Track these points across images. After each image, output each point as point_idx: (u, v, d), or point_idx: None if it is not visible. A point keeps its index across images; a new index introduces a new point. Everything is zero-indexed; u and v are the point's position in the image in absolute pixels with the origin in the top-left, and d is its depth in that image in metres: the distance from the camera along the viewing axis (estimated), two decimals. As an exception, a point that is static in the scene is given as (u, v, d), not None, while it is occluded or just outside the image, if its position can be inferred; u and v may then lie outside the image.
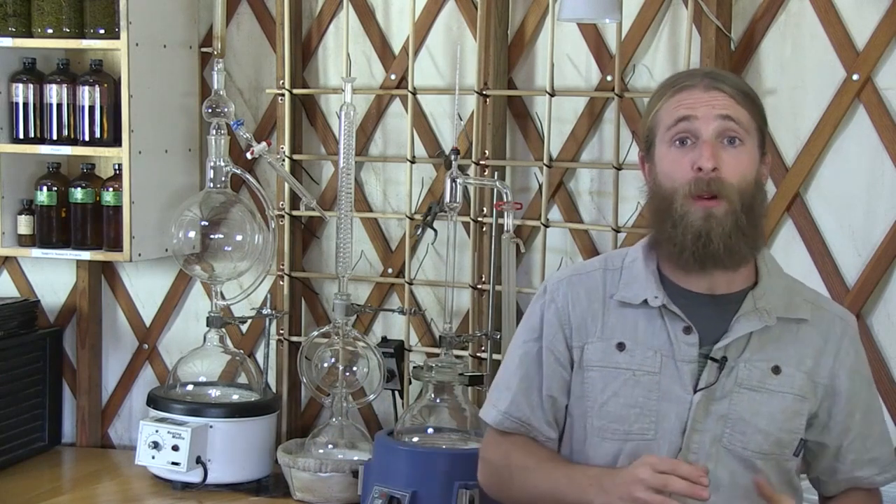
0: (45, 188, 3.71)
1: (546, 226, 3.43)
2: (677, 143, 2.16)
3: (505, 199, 3.28)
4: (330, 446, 3.48)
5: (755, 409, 2.18)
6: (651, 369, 2.18)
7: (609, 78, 3.40)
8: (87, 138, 3.62)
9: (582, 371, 2.23)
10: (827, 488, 2.37)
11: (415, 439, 3.20)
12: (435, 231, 3.44)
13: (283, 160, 3.65)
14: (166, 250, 3.65)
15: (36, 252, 3.72)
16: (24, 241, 3.75)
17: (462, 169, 3.37)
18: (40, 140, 3.66)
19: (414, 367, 3.37)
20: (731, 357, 2.17)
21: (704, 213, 2.12)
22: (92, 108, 3.61)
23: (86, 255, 3.70)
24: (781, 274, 2.29)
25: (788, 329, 2.22)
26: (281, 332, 3.73)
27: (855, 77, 3.20)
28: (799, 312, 2.24)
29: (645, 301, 2.20)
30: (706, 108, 2.15)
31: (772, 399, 2.19)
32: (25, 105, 3.67)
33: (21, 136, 3.68)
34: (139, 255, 3.61)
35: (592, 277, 2.28)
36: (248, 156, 3.46)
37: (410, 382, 3.57)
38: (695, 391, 2.16)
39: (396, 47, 3.66)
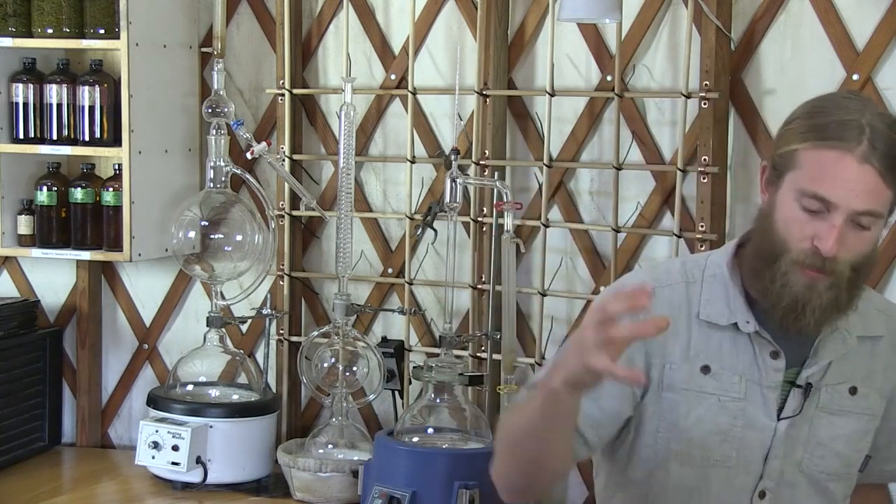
0: (45, 188, 3.71)
1: (546, 226, 3.43)
2: (809, 206, 1.99)
3: (505, 199, 3.28)
4: (330, 446, 3.48)
5: (834, 433, 2.13)
6: (737, 395, 2.10)
7: (609, 78, 3.40)
8: (87, 138, 3.62)
9: (661, 391, 2.12)
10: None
11: (415, 439, 3.20)
12: (435, 231, 3.44)
13: (283, 160, 3.65)
14: (166, 250, 3.65)
15: (36, 252, 3.72)
16: (24, 241, 3.75)
17: (462, 169, 3.37)
18: (40, 140, 3.66)
19: (414, 367, 3.37)
20: (814, 382, 2.11)
21: (808, 283, 1.99)
22: (92, 108, 3.60)
23: (86, 255, 3.70)
24: (865, 295, 2.18)
25: (864, 346, 2.16)
26: (281, 332, 3.73)
27: (855, 77, 3.20)
28: (876, 329, 2.18)
29: (734, 324, 2.10)
30: (849, 194, 1.95)
31: (849, 421, 2.14)
32: (25, 105, 3.66)
33: (21, 136, 3.67)
34: (139, 255, 3.60)
35: (676, 291, 2.14)
36: (248, 156, 3.46)
37: (410, 382, 3.57)
38: (779, 418, 2.10)
39: (396, 47, 3.66)
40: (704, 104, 3.23)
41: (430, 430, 3.23)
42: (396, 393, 3.61)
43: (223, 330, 3.62)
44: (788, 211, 2.01)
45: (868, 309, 2.18)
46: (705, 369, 2.10)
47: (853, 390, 2.14)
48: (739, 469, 2.11)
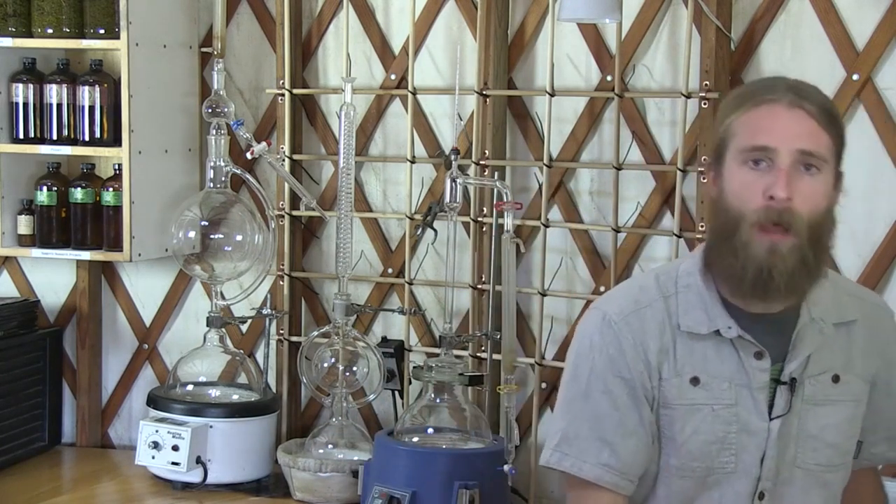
0: (45, 188, 3.71)
1: (546, 226, 3.43)
2: (751, 163, 2.04)
3: (505, 199, 3.27)
4: (330, 446, 3.48)
5: (822, 424, 2.13)
6: (728, 401, 2.10)
7: (609, 78, 3.40)
8: (87, 138, 3.62)
9: (658, 409, 2.13)
10: None
11: (415, 439, 3.20)
12: (435, 231, 3.44)
13: (283, 160, 3.65)
14: (166, 250, 3.65)
15: (36, 252, 3.72)
16: (24, 241, 3.75)
17: (462, 169, 3.37)
18: (40, 140, 3.66)
19: (414, 367, 3.37)
20: (797, 376, 2.11)
21: (769, 247, 2.01)
22: (92, 108, 3.60)
23: (86, 255, 3.70)
24: (834, 281, 2.20)
25: (840, 333, 2.17)
26: (281, 332, 3.73)
27: (855, 77, 3.20)
28: (848, 314, 2.18)
29: (716, 331, 2.11)
30: (787, 136, 2.02)
31: (836, 410, 2.15)
32: (25, 105, 3.67)
33: (21, 136, 3.67)
34: (139, 255, 3.60)
35: (657, 309, 2.14)
36: (248, 156, 3.46)
37: (410, 382, 3.57)
38: (770, 418, 2.11)
39: (396, 47, 3.66)
40: (704, 104, 3.23)
41: (430, 430, 3.23)
42: (396, 393, 3.61)
43: (223, 330, 3.62)
44: (736, 178, 2.05)
45: (839, 295, 2.19)
46: (695, 381, 2.11)
47: (836, 378, 2.14)
48: (739, 474, 2.12)
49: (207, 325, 3.61)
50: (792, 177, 2.01)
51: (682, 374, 2.11)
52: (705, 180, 2.14)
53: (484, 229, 3.50)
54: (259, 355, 3.77)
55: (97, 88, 3.60)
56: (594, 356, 2.14)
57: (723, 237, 2.06)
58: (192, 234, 3.58)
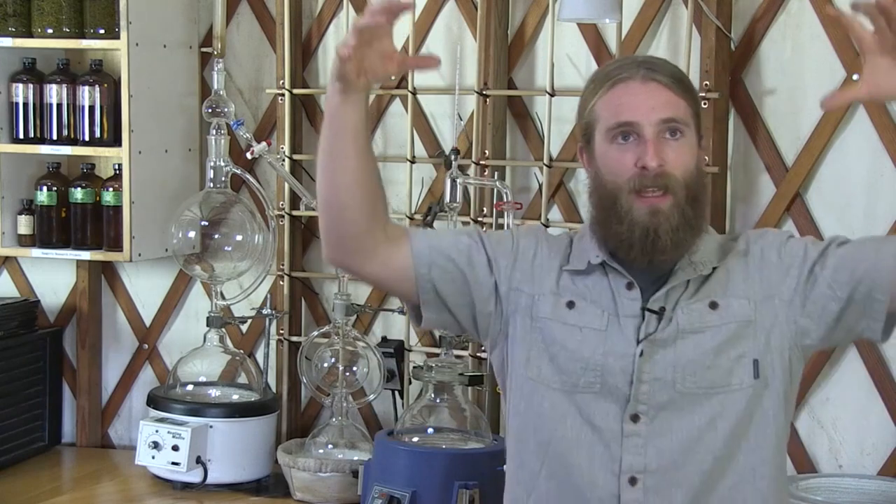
0: (45, 188, 3.71)
1: (546, 226, 3.43)
2: (619, 139, 2.17)
3: (505, 199, 3.28)
4: (330, 446, 3.49)
5: (701, 350, 2.18)
6: (598, 326, 2.20)
7: (609, 78, 3.40)
8: (87, 138, 3.62)
9: (532, 321, 2.24)
10: (876, 298, 2.18)
11: (415, 439, 3.21)
12: (435, 231, 3.44)
13: (283, 160, 3.65)
14: (166, 250, 3.65)
15: (36, 252, 3.72)
16: (24, 241, 3.75)
17: (462, 169, 3.37)
18: (40, 140, 3.66)
19: (414, 367, 3.37)
20: (669, 307, 2.19)
21: (650, 210, 2.13)
22: (92, 108, 3.61)
23: (86, 255, 3.70)
24: (713, 237, 2.29)
25: (719, 268, 2.23)
26: (281, 332, 3.73)
27: (855, 77, 3.20)
28: (727, 255, 2.25)
29: (589, 262, 2.23)
30: (646, 109, 2.15)
31: (715, 334, 2.19)
32: (25, 105, 3.67)
33: (21, 136, 3.68)
34: (139, 255, 3.61)
35: (559, 242, 2.30)
36: (248, 156, 3.46)
37: (410, 382, 3.57)
38: (638, 343, 2.18)
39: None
40: (704, 104, 3.23)
41: (430, 430, 3.23)
42: (396, 393, 3.61)
43: (223, 330, 3.62)
44: (608, 156, 2.18)
45: (725, 248, 2.26)
46: (570, 304, 2.22)
47: (713, 305, 2.20)
48: (606, 395, 2.18)
49: (207, 325, 3.61)
50: (658, 145, 2.14)
51: (560, 296, 2.23)
52: (583, 165, 2.29)
53: (484, 229, 3.50)
54: (259, 355, 3.77)
55: (97, 88, 3.60)
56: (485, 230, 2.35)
57: (605, 208, 2.18)
58: (192, 234, 3.58)
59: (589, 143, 2.23)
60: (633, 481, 2.15)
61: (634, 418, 2.17)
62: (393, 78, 3.64)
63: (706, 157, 2.29)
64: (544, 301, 2.24)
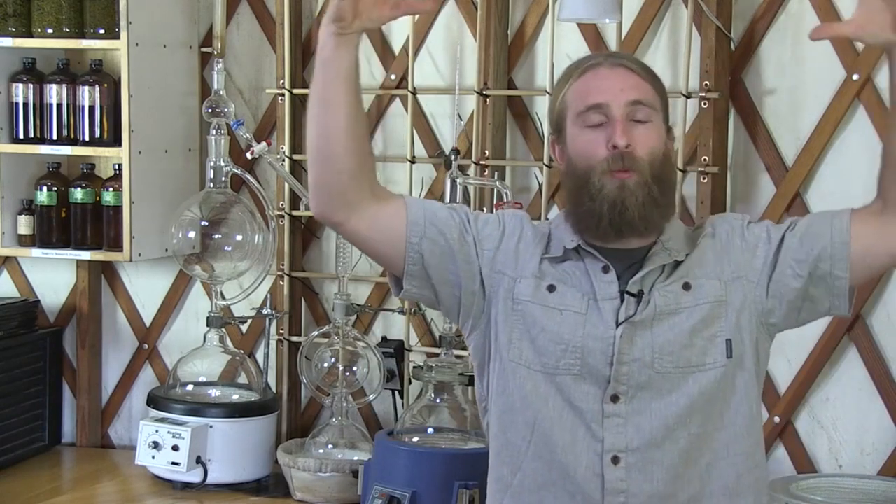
0: (45, 188, 3.71)
1: (546, 226, 3.43)
2: (590, 123, 2.22)
3: (505, 199, 3.28)
4: (330, 446, 3.49)
5: (677, 330, 2.22)
6: (578, 310, 2.24)
7: (609, 78, 3.40)
8: (87, 138, 3.62)
9: (513, 304, 2.27)
10: (837, 275, 2.24)
11: (415, 439, 3.21)
12: (435, 231, 3.44)
13: (283, 160, 3.65)
14: (166, 250, 3.65)
15: (36, 252, 3.72)
16: (24, 241, 3.75)
17: (462, 169, 3.37)
18: (40, 140, 3.66)
19: (414, 367, 3.37)
20: (646, 290, 2.23)
21: (619, 184, 2.19)
22: (92, 108, 3.61)
23: (86, 255, 3.70)
24: (682, 227, 2.35)
25: (692, 254, 2.28)
26: (281, 332, 3.73)
27: (855, 77, 3.20)
28: (697, 241, 2.30)
29: (565, 248, 2.27)
30: (615, 91, 2.22)
31: (691, 314, 2.23)
32: (25, 105, 3.67)
33: (21, 136, 3.68)
34: (139, 255, 3.61)
35: (542, 229, 2.34)
36: (248, 156, 3.46)
37: (410, 382, 3.57)
38: (617, 326, 2.22)
39: (396, 47, 3.66)
40: (704, 104, 3.23)
41: (430, 430, 3.23)
42: (396, 393, 3.61)
43: (223, 330, 3.62)
44: (578, 141, 2.24)
45: (683, 236, 2.31)
46: (551, 288, 2.27)
47: (686, 286, 2.25)
48: (586, 377, 2.22)
49: (207, 325, 3.61)
50: (627, 126, 2.21)
51: (542, 279, 2.27)
52: (554, 157, 2.38)
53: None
54: (259, 355, 3.77)
55: (97, 88, 3.61)
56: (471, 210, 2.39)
57: (578, 188, 2.24)
58: (192, 234, 3.58)
59: (560, 134, 2.28)
60: (615, 460, 2.19)
61: (614, 399, 2.21)
62: (393, 77, 3.64)
63: (673, 146, 2.35)
64: (525, 284, 2.28)
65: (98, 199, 3.68)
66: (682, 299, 2.24)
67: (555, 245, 2.30)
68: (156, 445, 3.43)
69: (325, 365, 3.49)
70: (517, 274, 2.29)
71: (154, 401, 3.54)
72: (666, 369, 2.21)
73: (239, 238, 3.58)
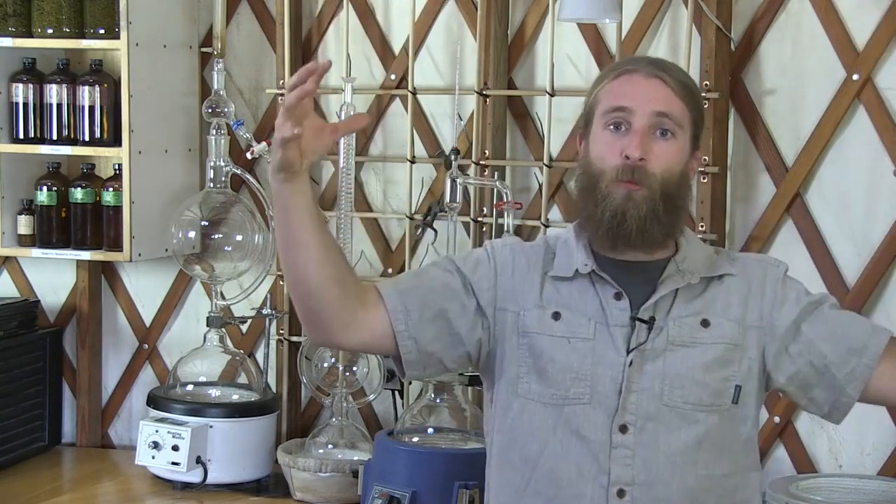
0: (45, 188, 3.71)
1: (546, 226, 3.43)
2: (612, 127, 2.22)
3: (505, 199, 3.28)
4: (330, 446, 3.49)
5: (690, 364, 2.20)
6: (585, 336, 2.22)
7: (609, 78, 3.40)
8: (87, 138, 3.62)
9: (517, 338, 2.26)
10: (847, 393, 2.24)
11: (415, 439, 3.21)
12: (435, 231, 3.44)
13: (283, 160, 3.65)
14: (166, 250, 3.65)
15: (36, 252, 3.72)
16: (24, 241, 3.75)
17: (462, 169, 3.37)
18: (40, 140, 3.66)
19: (414, 367, 3.37)
20: (659, 317, 2.21)
21: (625, 195, 2.18)
22: (92, 108, 3.61)
23: (86, 255, 3.70)
24: (703, 246, 2.33)
25: (713, 285, 2.26)
26: (281, 332, 3.73)
27: (855, 77, 3.20)
28: (721, 269, 2.28)
29: (576, 271, 2.25)
30: (643, 99, 2.20)
31: (705, 351, 2.21)
32: (25, 105, 3.67)
33: (21, 136, 3.68)
34: (139, 255, 3.61)
35: (535, 250, 2.32)
36: (248, 156, 3.45)
37: (410, 382, 3.57)
38: (628, 353, 2.20)
39: (396, 47, 3.66)
40: (704, 104, 3.23)
41: (430, 430, 3.23)
42: (396, 393, 3.61)
43: (223, 330, 3.62)
44: (599, 141, 2.24)
45: (714, 259, 2.30)
46: (556, 315, 2.24)
47: (705, 322, 2.23)
48: (595, 406, 2.20)
49: (207, 325, 3.61)
50: (646, 139, 2.19)
51: (545, 307, 2.25)
52: (578, 149, 2.36)
53: (484, 229, 3.50)
54: (259, 355, 3.77)
55: (97, 88, 3.61)
56: (457, 254, 2.39)
57: (588, 192, 2.23)
58: (192, 234, 3.58)
59: (587, 128, 2.28)
60: (621, 493, 2.17)
61: (623, 429, 2.18)
62: (393, 77, 3.64)
63: (697, 167, 2.33)
64: (529, 315, 2.25)
65: (98, 199, 3.68)
66: (697, 334, 2.22)
67: (562, 262, 2.27)
68: (156, 445, 3.43)
69: (325, 365, 3.49)
70: (519, 307, 2.26)
71: (154, 401, 3.54)
72: (675, 402, 2.19)
73: (239, 238, 3.59)
